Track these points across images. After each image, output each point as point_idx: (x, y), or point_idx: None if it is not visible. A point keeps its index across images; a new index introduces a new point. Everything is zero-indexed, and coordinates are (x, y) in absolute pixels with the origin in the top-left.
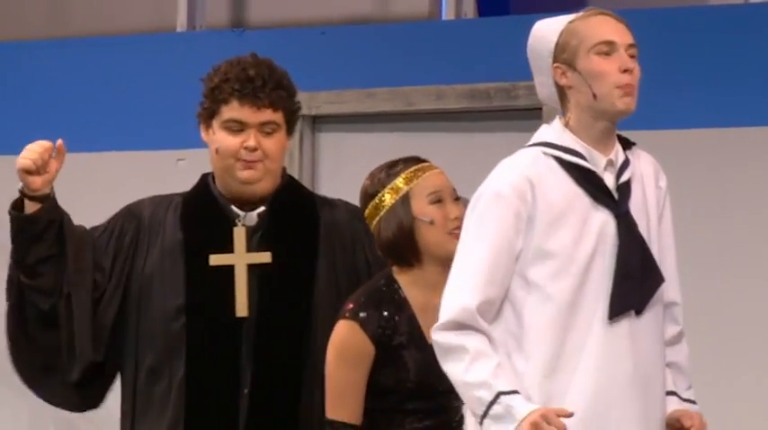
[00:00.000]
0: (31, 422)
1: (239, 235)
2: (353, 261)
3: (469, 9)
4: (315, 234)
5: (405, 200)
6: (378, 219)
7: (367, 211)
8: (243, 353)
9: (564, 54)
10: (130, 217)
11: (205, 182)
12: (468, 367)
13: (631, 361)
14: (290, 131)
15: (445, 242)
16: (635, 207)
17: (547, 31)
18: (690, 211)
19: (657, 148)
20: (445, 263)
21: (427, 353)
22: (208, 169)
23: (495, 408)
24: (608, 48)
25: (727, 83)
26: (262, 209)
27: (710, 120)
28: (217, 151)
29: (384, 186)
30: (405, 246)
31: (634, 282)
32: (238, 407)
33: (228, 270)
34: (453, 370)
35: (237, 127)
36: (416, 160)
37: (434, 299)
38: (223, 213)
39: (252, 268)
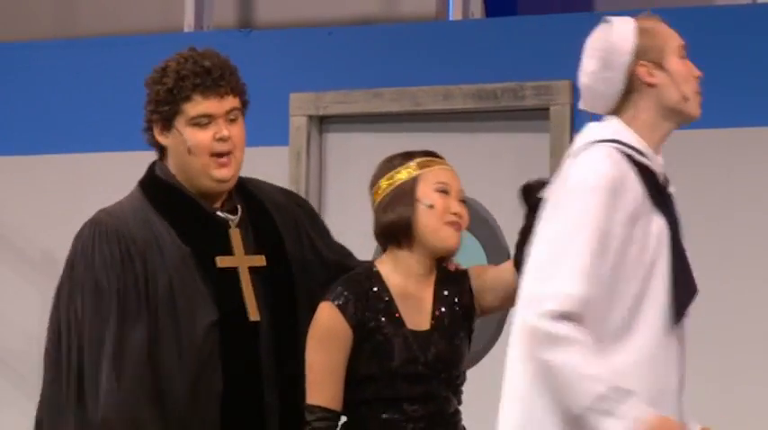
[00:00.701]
0: None
1: (236, 236)
2: (296, 234)
3: (477, 9)
4: (275, 224)
5: (414, 181)
6: (384, 194)
7: (378, 184)
8: (262, 359)
9: (650, 53)
10: (122, 244)
11: (170, 186)
12: (584, 358)
13: (679, 367)
14: (244, 115)
15: (439, 229)
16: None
17: (624, 28)
18: (701, 212)
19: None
20: (432, 253)
21: (407, 338)
22: None
23: (608, 404)
24: (684, 52)
25: (736, 83)
26: (238, 207)
27: (722, 120)
28: (189, 150)
29: (400, 166)
30: (400, 226)
31: (685, 289)
32: (265, 415)
33: (234, 273)
34: (564, 359)
35: (206, 121)
36: (435, 155)
37: (413, 286)
38: (212, 217)
39: (251, 271)
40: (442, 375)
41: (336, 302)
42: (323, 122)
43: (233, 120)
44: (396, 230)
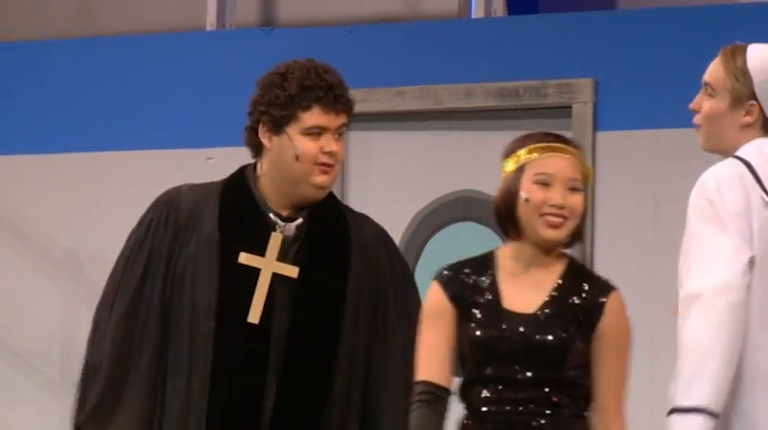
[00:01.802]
0: (60, 420)
1: (275, 240)
2: (375, 284)
3: (499, 7)
4: (347, 255)
5: (519, 171)
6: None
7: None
8: (270, 363)
9: None
10: (168, 208)
11: (245, 181)
12: None
13: None
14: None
15: (534, 222)
16: None
17: None
18: None
19: (683, 146)
20: (534, 243)
21: (500, 317)
22: (236, 168)
23: None
24: None
25: None
26: (300, 221)
27: None
28: (297, 157)
29: (512, 152)
30: (505, 217)
31: None
32: (260, 417)
33: (254, 272)
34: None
35: (318, 131)
36: (554, 138)
37: (525, 271)
38: (263, 217)
39: (276, 277)
40: (533, 363)
41: (441, 279)
42: None
43: (339, 136)
44: (501, 219)
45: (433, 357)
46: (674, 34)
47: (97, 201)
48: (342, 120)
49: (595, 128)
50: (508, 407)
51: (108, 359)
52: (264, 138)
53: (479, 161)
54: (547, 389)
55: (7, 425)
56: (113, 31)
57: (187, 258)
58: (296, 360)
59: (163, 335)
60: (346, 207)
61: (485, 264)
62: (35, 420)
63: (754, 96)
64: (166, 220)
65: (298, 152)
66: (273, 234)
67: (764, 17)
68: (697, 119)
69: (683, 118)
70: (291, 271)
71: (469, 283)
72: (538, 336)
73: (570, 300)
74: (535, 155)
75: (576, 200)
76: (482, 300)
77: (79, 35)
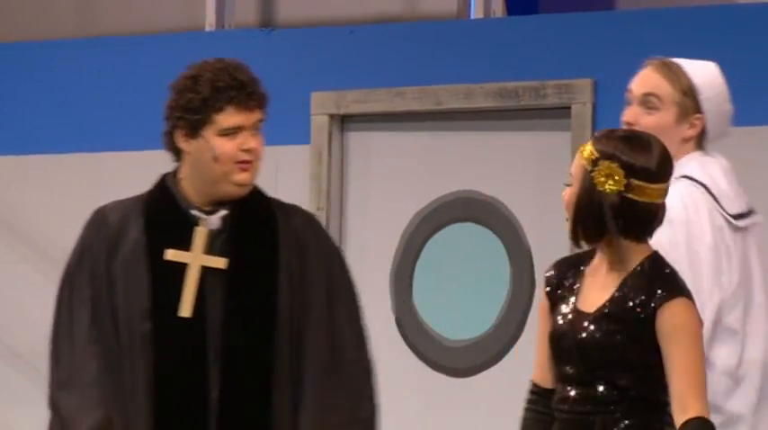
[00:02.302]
0: None
1: (200, 234)
2: (305, 268)
3: (498, 8)
4: (275, 243)
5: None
6: None
7: None
8: (209, 355)
9: None
10: (97, 227)
11: (166, 186)
12: None
13: None
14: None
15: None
16: None
17: None
18: None
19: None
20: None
21: (569, 316)
22: None
23: None
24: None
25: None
26: (224, 212)
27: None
28: (216, 159)
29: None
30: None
31: None
32: (208, 409)
33: (182, 268)
34: None
35: (234, 131)
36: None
37: (602, 270)
38: (186, 215)
39: (206, 271)
40: (588, 362)
41: (546, 274)
42: (344, 121)
43: (257, 131)
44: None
45: (537, 354)
46: (674, 35)
47: (98, 202)
48: (257, 116)
49: (594, 128)
50: (566, 406)
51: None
52: (182, 143)
53: (479, 161)
54: (601, 388)
55: (7, 425)
56: (113, 32)
57: (117, 268)
58: (234, 349)
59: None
60: (272, 198)
61: (583, 261)
62: (35, 420)
63: (699, 110)
64: (98, 238)
65: (216, 154)
66: (197, 228)
67: (764, 17)
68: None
69: None
70: (219, 262)
71: (563, 282)
72: (588, 335)
73: (628, 302)
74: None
75: (570, 192)
76: (565, 299)
77: (79, 36)
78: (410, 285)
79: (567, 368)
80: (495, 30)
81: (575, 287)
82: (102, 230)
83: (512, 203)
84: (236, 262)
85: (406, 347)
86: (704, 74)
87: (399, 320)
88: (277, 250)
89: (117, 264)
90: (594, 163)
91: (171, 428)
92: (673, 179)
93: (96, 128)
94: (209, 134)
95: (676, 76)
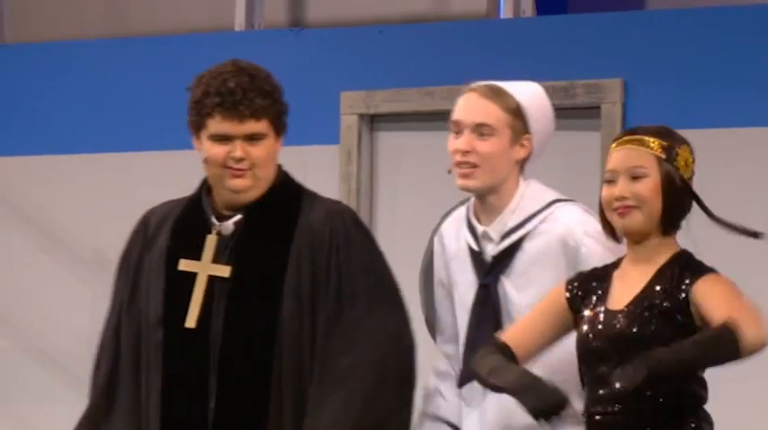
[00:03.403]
0: None
1: (210, 242)
2: (316, 269)
3: (528, 7)
4: (286, 246)
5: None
6: None
7: None
8: (210, 365)
9: None
10: (140, 227)
11: (201, 188)
12: None
13: None
14: (279, 134)
15: (611, 218)
16: None
17: None
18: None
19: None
20: (629, 238)
21: (598, 315)
22: None
23: None
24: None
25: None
26: (238, 218)
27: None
28: (206, 161)
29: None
30: (603, 221)
31: None
32: (207, 420)
33: (192, 278)
34: None
35: (223, 138)
36: (623, 133)
37: (629, 268)
38: (205, 221)
39: (212, 280)
40: (625, 357)
41: (571, 276)
42: (374, 121)
43: (255, 141)
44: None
45: (520, 327)
46: (703, 34)
47: (126, 202)
48: (249, 127)
49: (624, 128)
50: (601, 408)
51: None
52: (193, 140)
53: None
54: (653, 392)
55: (36, 426)
56: (143, 32)
57: (145, 274)
58: (230, 359)
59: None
60: (308, 194)
61: (609, 266)
62: (64, 420)
63: (528, 130)
64: (136, 242)
65: (204, 156)
66: (208, 236)
67: None
68: (472, 159)
69: (711, 118)
70: (223, 270)
71: (590, 283)
72: (621, 330)
73: (660, 291)
74: (609, 156)
75: (638, 187)
76: (591, 300)
77: (108, 36)
78: None
79: (602, 369)
80: (525, 29)
81: (600, 291)
82: (139, 235)
83: None
84: (239, 270)
85: (435, 347)
86: (529, 94)
87: (429, 319)
88: (285, 256)
89: (145, 270)
90: (669, 151)
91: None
92: (536, 205)
93: (125, 128)
94: (203, 136)
95: (503, 98)
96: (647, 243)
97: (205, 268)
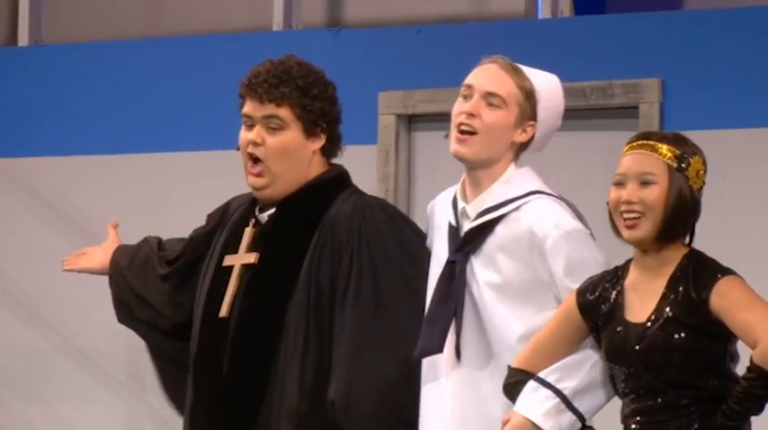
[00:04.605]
0: (126, 421)
1: (247, 235)
2: (336, 258)
3: (566, 7)
4: (309, 238)
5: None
6: None
7: None
8: (223, 354)
9: None
10: (215, 212)
11: None
12: None
13: None
14: (308, 131)
15: (617, 222)
16: None
17: None
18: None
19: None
20: (636, 247)
21: (620, 329)
22: None
23: None
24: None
25: None
26: (272, 210)
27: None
28: (238, 149)
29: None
30: (613, 226)
31: None
32: (220, 407)
33: (229, 270)
34: None
35: (249, 121)
36: (636, 137)
37: (642, 278)
38: (248, 213)
39: (244, 269)
40: (653, 370)
41: (581, 285)
42: (411, 121)
43: (274, 130)
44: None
45: (536, 350)
46: (742, 34)
47: (164, 202)
48: (268, 110)
49: (662, 128)
50: (637, 418)
51: None
52: None
53: (546, 161)
54: (671, 393)
55: (73, 425)
56: (180, 32)
57: (204, 265)
58: (238, 347)
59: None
60: (351, 192)
61: (619, 272)
62: (100, 419)
63: (535, 117)
64: (217, 214)
65: (238, 144)
66: (246, 229)
67: None
68: (475, 124)
69: (750, 118)
70: (250, 257)
71: (602, 294)
72: (646, 343)
73: (678, 300)
74: (620, 161)
75: (647, 192)
76: (607, 312)
77: (146, 36)
78: None
79: (632, 381)
80: (563, 29)
81: (617, 305)
82: (220, 212)
83: (579, 203)
84: (262, 259)
85: None
86: (547, 83)
87: None
88: (305, 248)
89: (205, 260)
90: (681, 160)
91: (197, 411)
92: (516, 191)
93: (163, 128)
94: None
95: (520, 77)
96: (654, 250)
97: (240, 259)
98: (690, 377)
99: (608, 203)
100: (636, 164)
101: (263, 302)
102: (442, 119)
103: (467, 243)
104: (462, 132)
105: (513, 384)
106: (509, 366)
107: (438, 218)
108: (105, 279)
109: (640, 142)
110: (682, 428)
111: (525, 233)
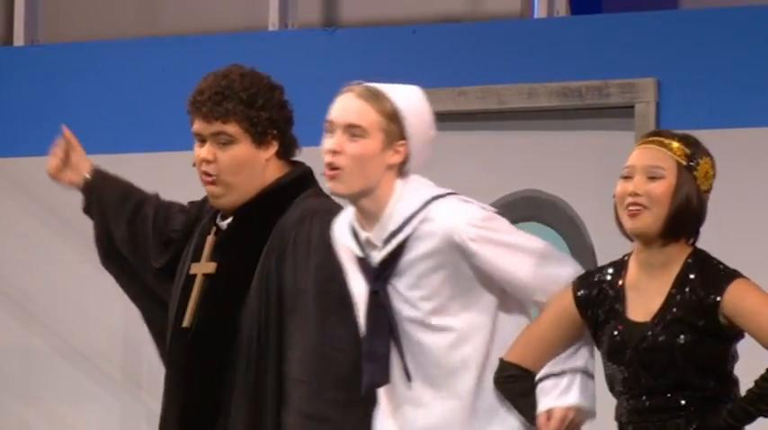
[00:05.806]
0: (122, 421)
1: (208, 244)
2: (281, 267)
3: (561, 7)
4: (260, 247)
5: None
6: None
7: None
8: (186, 363)
9: None
10: (195, 207)
11: None
12: None
13: None
14: (258, 141)
15: (622, 216)
16: None
17: None
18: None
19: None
20: (639, 240)
21: (621, 328)
22: None
23: None
24: None
25: None
26: (230, 219)
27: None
28: (194, 165)
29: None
30: (618, 221)
31: None
32: (175, 415)
33: (193, 279)
34: None
35: (200, 139)
36: (653, 133)
37: (644, 276)
38: (211, 223)
39: (205, 278)
40: (655, 370)
41: (578, 277)
42: None
43: (224, 145)
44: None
45: (532, 345)
46: (738, 34)
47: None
48: (215, 127)
49: (658, 127)
50: (636, 417)
51: None
52: None
53: (542, 161)
54: (671, 393)
55: (69, 424)
56: (176, 31)
57: (177, 270)
58: (192, 353)
59: None
60: (306, 198)
61: (617, 270)
62: (96, 419)
63: (404, 136)
64: (194, 209)
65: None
66: (209, 237)
67: None
68: (339, 161)
69: (746, 118)
70: (209, 267)
71: (600, 292)
72: (650, 343)
73: (685, 301)
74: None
75: (653, 186)
76: (606, 310)
77: (141, 35)
78: None
79: (631, 380)
80: (559, 29)
81: (617, 304)
82: (196, 207)
83: (575, 202)
84: (219, 268)
85: None
86: (410, 99)
87: None
88: (256, 257)
89: (179, 267)
90: (690, 158)
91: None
92: (413, 206)
93: (159, 127)
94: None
95: (380, 101)
96: (658, 247)
97: (201, 268)
98: (690, 377)
99: (614, 197)
100: (645, 157)
101: (217, 312)
102: (437, 118)
103: (383, 270)
104: (332, 169)
105: (506, 378)
106: (501, 358)
107: (341, 249)
108: (103, 279)
109: (652, 138)
110: (680, 428)
111: (442, 242)
